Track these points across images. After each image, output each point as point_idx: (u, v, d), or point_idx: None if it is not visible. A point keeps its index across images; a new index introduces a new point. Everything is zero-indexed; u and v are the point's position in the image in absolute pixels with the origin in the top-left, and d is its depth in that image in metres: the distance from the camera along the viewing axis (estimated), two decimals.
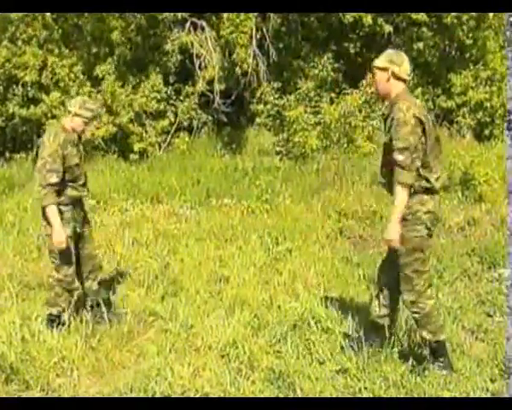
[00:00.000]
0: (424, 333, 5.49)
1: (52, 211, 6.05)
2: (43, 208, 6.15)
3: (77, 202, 6.36)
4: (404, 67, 5.41)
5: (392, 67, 5.37)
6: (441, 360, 5.48)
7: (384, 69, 5.40)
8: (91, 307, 6.57)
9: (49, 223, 6.15)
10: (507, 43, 16.39)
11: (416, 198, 5.29)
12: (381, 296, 5.78)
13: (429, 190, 5.32)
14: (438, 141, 5.46)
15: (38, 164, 6.16)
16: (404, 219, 5.27)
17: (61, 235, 6.06)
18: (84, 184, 6.45)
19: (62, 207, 6.20)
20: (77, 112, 6.13)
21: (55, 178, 6.04)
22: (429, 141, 5.28)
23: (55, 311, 6.36)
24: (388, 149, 5.36)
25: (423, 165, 5.25)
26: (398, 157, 5.16)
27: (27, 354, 5.73)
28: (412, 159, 5.15)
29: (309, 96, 15.19)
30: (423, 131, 5.22)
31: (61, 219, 6.17)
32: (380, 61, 5.46)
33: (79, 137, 6.32)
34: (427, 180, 5.29)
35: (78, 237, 6.42)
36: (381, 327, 5.77)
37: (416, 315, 5.47)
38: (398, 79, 5.40)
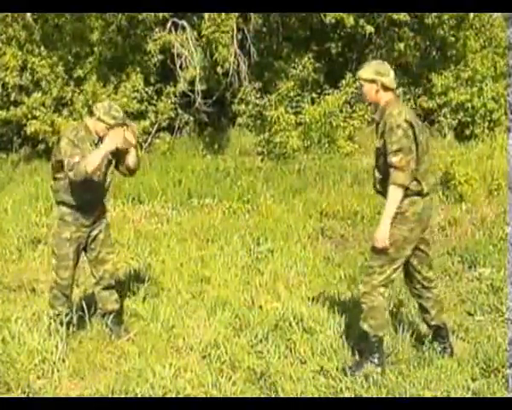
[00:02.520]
0: (365, 326, 5.57)
1: (88, 161, 5.79)
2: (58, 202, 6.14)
3: (86, 205, 6.13)
4: (391, 76, 5.52)
5: (380, 79, 5.45)
6: (376, 356, 5.54)
7: (372, 81, 5.47)
8: (102, 316, 6.47)
9: (61, 219, 6.09)
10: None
11: (407, 199, 5.36)
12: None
13: (419, 193, 5.38)
14: (430, 146, 5.57)
15: (55, 157, 6.05)
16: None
17: (113, 137, 5.94)
18: (95, 189, 6.16)
19: (64, 209, 6.10)
20: (100, 117, 6.03)
21: (77, 159, 5.80)
22: (420, 145, 5.35)
23: (52, 313, 6.28)
24: (381, 153, 5.44)
25: (416, 168, 5.32)
26: (393, 159, 5.24)
27: (8, 356, 5.69)
28: (407, 160, 5.22)
29: (290, 97, 15.19)
30: (414, 134, 5.29)
31: (62, 220, 6.11)
32: (367, 74, 5.53)
33: (101, 139, 6.07)
34: (419, 183, 5.36)
35: (87, 241, 6.28)
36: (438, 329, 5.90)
37: (364, 305, 5.57)
38: (387, 89, 5.48)
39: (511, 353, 5.75)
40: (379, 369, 5.45)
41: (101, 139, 6.08)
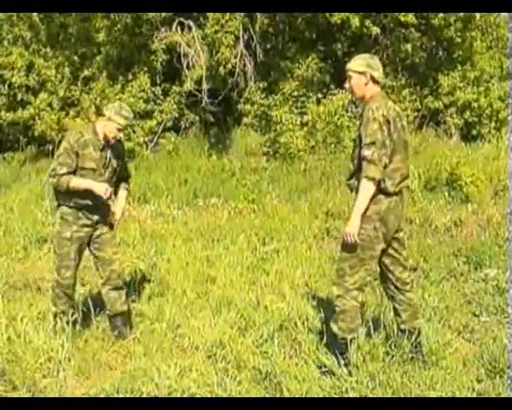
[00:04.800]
0: (335, 327, 5.57)
1: (73, 181, 5.95)
2: (56, 205, 6.20)
3: (86, 208, 6.15)
4: (381, 70, 5.51)
5: (370, 72, 5.44)
6: (342, 357, 5.52)
7: (362, 73, 5.45)
8: (111, 317, 6.47)
9: (62, 218, 6.13)
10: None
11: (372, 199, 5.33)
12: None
13: (383, 191, 5.34)
14: (405, 147, 5.50)
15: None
16: None
17: (99, 186, 5.98)
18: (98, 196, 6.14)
19: (65, 209, 6.13)
20: (112, 117, 6.04)
21: (64, 170, 5.94)
22: (394, 144, 5.32)
23: (54, 311, 6.30)
24: (356, 145, 5.46)
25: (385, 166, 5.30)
26: (366, 152, 5.21)
27: (13, 355, 5.70)
28: (379, 154, 5.20)
29: (295, 97, 15.18)
30: (388, 131, 5.27)
31: (63, 220, 6.14)
32: (358, 65, 5.49)
33: (108, 143, 6.15)
34: (383, 181, 5.31)
35: (90, 241, 6.30)
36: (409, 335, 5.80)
37: (336, 307, 5.56)
38: (375, 82, 5.48)
39: None
40: (345, 370, 5.43)
41: (107, 143, 6.11)
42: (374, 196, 5.30)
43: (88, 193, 6.01)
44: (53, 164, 6.04)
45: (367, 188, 5.23)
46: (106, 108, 6.14)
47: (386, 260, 5.66)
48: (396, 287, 5.73)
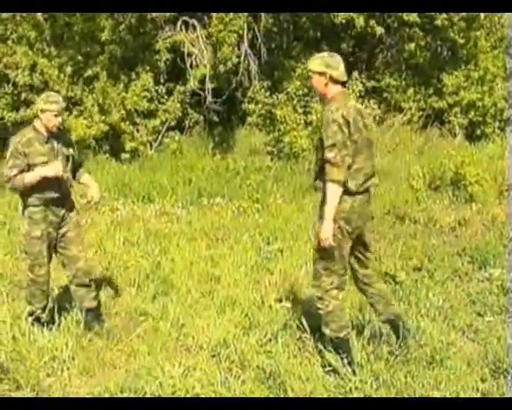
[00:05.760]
0: (327, 330, 5.59)
1: (26, 177, 6.03)
2: (23, 207, 6.25)
3: (52, 203, 6.23)
4: (341, 69, 5.45)
5: (329, 72, 5.40)
6: (344, 355, 5.52)
7: (322, 73, 5.42)
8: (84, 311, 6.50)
9: (30, 218, 6.17)
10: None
11: None
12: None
13: (347, 191, 5.36)
14: (369, 146, 5.53)
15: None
16: (320, 217, 5.39)
17: (50, 167, 6.07)
18: (59, 185, 6.24)
19: (32, 208, 6.17)
20: (43, 107, 6.11)
21: (15, 171, 6.03)
22: (354, 144, 5.33)
23: (30, 309, 6.37)
24: (318, 147, 5.50)
25: (348, 166, 5.33)
26: (328, 155, 5.24)
27: (18, 354, 5.72)
28: (342, 156, 5.22)
29: (299, 96, 15.17)
30: (349, 131, 5.28)
31: (31, 219, 6.18)
32: (316, 65, 5.46)
33: (52, 134, 6.21)
34: (346, 181, 5.32)
35: (57, 239, 6.36)
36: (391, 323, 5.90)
37: (321, 311, 5.58)
38: (336, 82, 5.44)
39: None
40: (349, 368, 5.44)
41: (51, 134, 6.20)
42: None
43: (47, 183, 6.09)
44: (4, 171, 6.11)
45: (333, 191, 5.26)
46: (35, 105, 6.23)
47: (351, 259, 5.74)
48: (364, 283, 5.85)
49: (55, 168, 6.07)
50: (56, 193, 6.20)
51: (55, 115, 6.13)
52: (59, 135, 6.33)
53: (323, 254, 5.44)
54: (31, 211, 6.19)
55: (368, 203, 5.64)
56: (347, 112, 5.30)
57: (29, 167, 6.08)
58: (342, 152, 5.22)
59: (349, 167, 5.30)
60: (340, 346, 5.55)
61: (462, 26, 15.73)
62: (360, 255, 5.76)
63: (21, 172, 6.03)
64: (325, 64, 5.41)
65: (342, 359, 5.50)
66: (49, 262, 6.36)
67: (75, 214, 6.51)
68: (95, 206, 6.49)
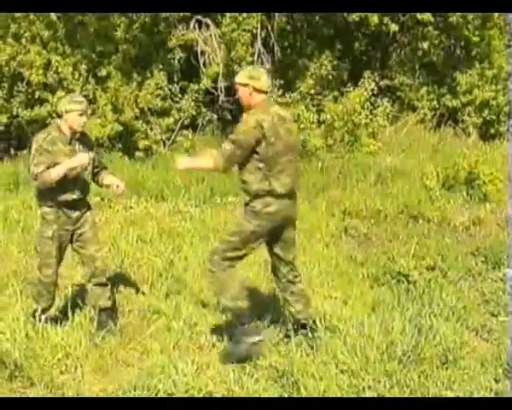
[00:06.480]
0: (224, 301, 5.84)
1: (52, 172, 6.00)
2: (39, 205, 6.27)
3: (66, 205, 6.22)
4: (263, 80, 5.83)
5: (252, 83, 5.78)
6: (245, 326, 5.78)
7: (245, 85, 5.81)
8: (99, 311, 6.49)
9: (43, 217, 6.20)
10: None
11: (260, 200, 5.67)
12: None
13: (271, 193, 5.65)
14: (293, 149, 5.87)
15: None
16: (245, 212, 5.79)
17: (78, 157, 6.11)
18: (77, 187, 6.25)
19: (46, 209, 6.19)
20: (67, 108, 6.08)
21: (42, 168, 6.00)
22: (272, 146, 5.62)
23: (35, 307, 6.39)
24: None
25: (268, 169, 5.64)
26: (224, 146, 5.66)
27: (31, 351, 5.73)
28: (232, 152, 5.62)
29: (312, 95, 15.16)
30: (264, 135, 5.56)
31: (44, 219, 6.20)
32: (241, 78, 5.88)
33: (75, 135, 6.19)
34: (270, 183, 5.64)
35: (73, 240, 6.36)
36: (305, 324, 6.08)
37: (215, 285, 5.88)
38: (259, 91, 5.80)
39: None
40: (257, 338, 5.74)
41: (74, 136, 6.19)
42: (263, 199, 5.66)
43: (67, 183, 6.10)
44: (31, 169, 6.11)
45: (218, 162, 5.69)
46: (58, 107, 6.22)
47: (274, 259, 6.03)
48: (288, 280, 6.07)
49: (82, 158, 6.10)
50: (72, 195, 6.20)
51: (80, 115, 6.12)
52: (81, 138, 6.31)
53: (229, 236, 5.83)
54: (44, 211, 6.21)
55: (293, 206, 5.97)
56: (266, 117, 5.64)
57: (52, 165, 6.07)
58: (237, 151, 5.61)
59: (270, 170, 5.63)
60: (240, 316, 5.84)
61: (476, 24, 15.68)
62: (282, 254, 6.00)
63: (48, 168, 6.01)
64: (249, 76, 5.82)
65: (244, 330, 5.80)
66: (58, 263, 6.36)
67: (91, 214, 6.52)
68: (120, 197, 6.49)
